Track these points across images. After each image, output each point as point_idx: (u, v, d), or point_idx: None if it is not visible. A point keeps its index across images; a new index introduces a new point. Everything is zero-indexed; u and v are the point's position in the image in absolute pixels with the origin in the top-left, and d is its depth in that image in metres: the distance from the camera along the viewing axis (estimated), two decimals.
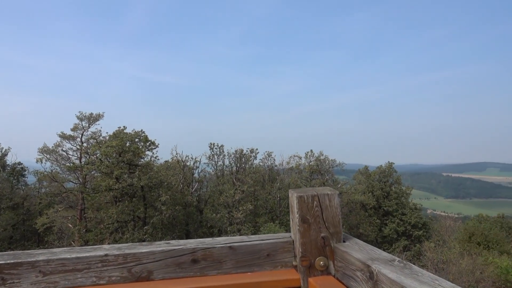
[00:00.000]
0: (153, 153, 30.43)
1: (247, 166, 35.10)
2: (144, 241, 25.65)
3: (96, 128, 32.18)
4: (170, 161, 34.09)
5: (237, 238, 1.62)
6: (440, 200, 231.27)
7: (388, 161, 40.58)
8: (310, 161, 37.77)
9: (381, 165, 40.87)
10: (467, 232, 31.51)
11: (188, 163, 34.68)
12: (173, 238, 28.33)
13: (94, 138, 30.28)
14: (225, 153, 35.80)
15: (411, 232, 35.79)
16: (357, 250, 1.43)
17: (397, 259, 1.32)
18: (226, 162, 35.93)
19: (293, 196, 1.58)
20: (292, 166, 38.64)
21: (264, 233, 25.72)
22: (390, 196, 38.08)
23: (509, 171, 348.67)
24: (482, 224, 38.40)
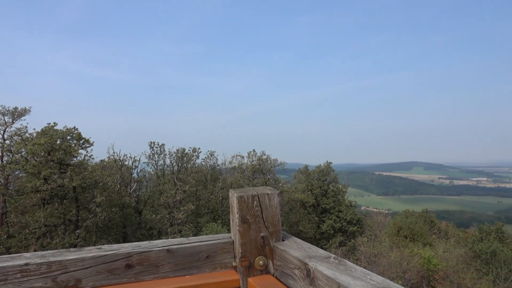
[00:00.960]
0: (87, 151, 28.61)
1: (189, 165, 34.49)
2: (76, 246, 24.05)
3: (21, 124, 29.31)
4: (106, 160, 32.33)
5: (176, 240, 1.56)
6: (372, 197, 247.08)
7: (327, 161, 42.45)
8: (253, 161, 38.19)
9: (320, 165, 42.60)
10: (395, 227, 34.09)
11: (126, 163, 33.18)
12: (109, 242, 26.90)
13: (18, 135, 27.66)
14: (166, 152, 34.84)
15: (346, 228, 37.79)
16: (295, 249, 1.45)
17: (333, 256, 1.37)
18: (167, 161, 34.98)
19: (233, 196, 1.56)
20: (235, 165, 38.77)
21: (206, 233, 25.47)
22: (328, 194, 39.84)
23: (431, 170, 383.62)
24: (409, 218, 41.78)
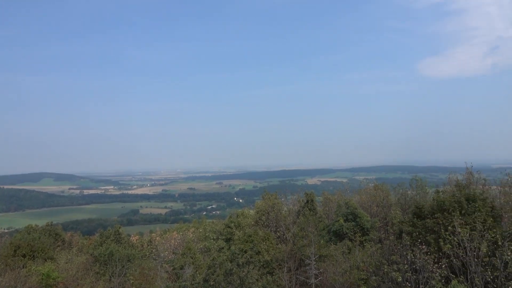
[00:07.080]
0: None
1: None
2: None
3: None
4: None
5: None
6: None
7: None
8: None
9: None
10: (12, 246, 30.60)
11: None
12: None
13: None
14: None
15: None
16: None
17: None
18: None
19: None
20: None
21: None
22: None
23: (63, 181, 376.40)
24: (31, 234, 38.77)
